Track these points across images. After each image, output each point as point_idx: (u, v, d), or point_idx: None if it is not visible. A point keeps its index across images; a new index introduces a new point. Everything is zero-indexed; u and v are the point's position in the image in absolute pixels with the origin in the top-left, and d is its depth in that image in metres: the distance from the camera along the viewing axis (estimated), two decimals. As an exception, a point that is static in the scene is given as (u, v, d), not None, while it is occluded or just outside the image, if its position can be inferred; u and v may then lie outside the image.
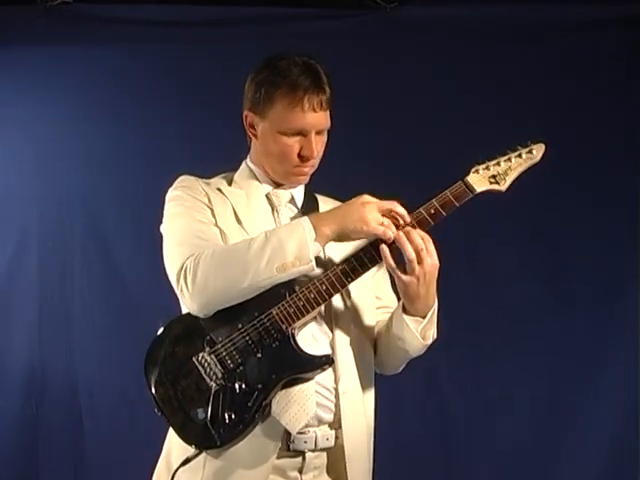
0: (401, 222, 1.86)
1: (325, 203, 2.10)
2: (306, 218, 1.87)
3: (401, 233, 1.84)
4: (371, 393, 2.04)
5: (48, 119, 3.56)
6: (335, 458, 1.94)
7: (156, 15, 3.58)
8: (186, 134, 3.51)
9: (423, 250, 1.84)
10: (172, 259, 1.90)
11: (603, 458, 3.50)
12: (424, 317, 1.93)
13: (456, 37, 3.52)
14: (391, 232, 1.84)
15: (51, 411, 3.54)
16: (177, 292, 1.88)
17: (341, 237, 1.86)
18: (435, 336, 1.99)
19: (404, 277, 1.86)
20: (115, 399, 3.49)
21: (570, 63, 3.48)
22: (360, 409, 1.99)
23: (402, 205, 1.88)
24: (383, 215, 1.86)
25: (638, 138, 3.47)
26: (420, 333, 1.93)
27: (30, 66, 3.54)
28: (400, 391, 3.43)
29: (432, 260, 1.86)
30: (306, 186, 2.09)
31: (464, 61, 3.53)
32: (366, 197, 1.88)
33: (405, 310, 1.93)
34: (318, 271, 1.89)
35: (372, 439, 2.04)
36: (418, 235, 1.85)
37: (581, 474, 3.51)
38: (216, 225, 1.94)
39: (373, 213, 1.84)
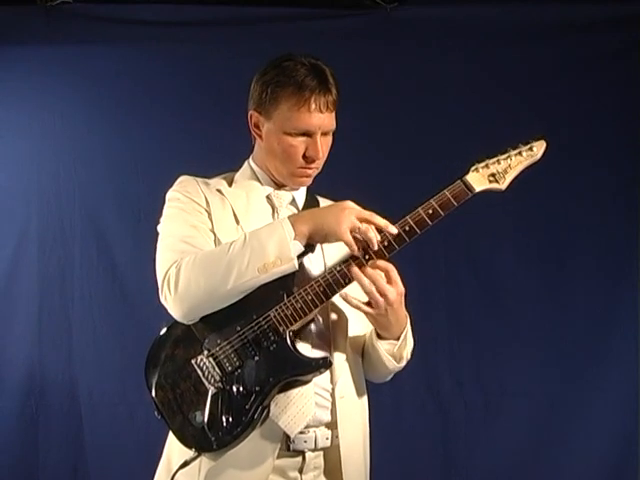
0: (374, 242, 1.81)
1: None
2: (285, 218, 1.86)
3: (357, 271, 1.81)
4: (365, 398, 2.04)
5: (47, 119, 3.56)
6: (331, 459, 1.94)
7: (156, 15, 3.58)
8: (186, 134, 3.51)
9: (381, 284, 1.82)
10: (159, 266, 1.91)
11: (603, 457, 3.51)
12: (398, 339, 1.94)
13: (456, 37, 3.52)
14: (356, 247, 1.80)
15: (51, 411, 3.54)
16: (162, 300, 1.88)
17: (316, 237, 1.84)
18: (409, 357, 2.00)
19: (371, 311, 1.86)
20: (115, 399, 3.49)
21: (570, 63, 3.49)
22: (357, 413, 1.99)
23: (383, 217, 1.84)
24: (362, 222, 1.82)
25: (638, 138, 3.47)
26: (396, 354, 1.95)
27: (30, 66, 3.54)
28: (400, 391, 3.44)
29: (396, 289, 1.85)
30: (308, 188, 2.08)
31: (464, 61, 3.53)
32: (349, 203, 1.85)
33: (379, 335, 1.95)
34: (318, 272, 1.90)
35: (368, 443, 2.04)
36: (378, 268, 1.83)
37: (581, 474, 3.51)
38: (212, 230, 1.94)
39: (349, 219, 1.81)
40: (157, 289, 1.92)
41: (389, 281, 1.85)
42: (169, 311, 1.88)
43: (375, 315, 1.87)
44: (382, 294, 1.83)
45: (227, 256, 1.81)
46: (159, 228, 1.99)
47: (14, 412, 3.53)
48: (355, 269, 1.82)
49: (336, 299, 1.90)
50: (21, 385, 3.54)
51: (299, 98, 1.90)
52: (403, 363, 1.99)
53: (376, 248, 1.81)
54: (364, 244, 1.82)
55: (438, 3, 3.56)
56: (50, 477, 3.54)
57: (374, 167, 3.48)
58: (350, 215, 1.81)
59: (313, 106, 1.90)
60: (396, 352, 1.95)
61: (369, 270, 1.82)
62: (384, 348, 1.94)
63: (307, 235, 1.83)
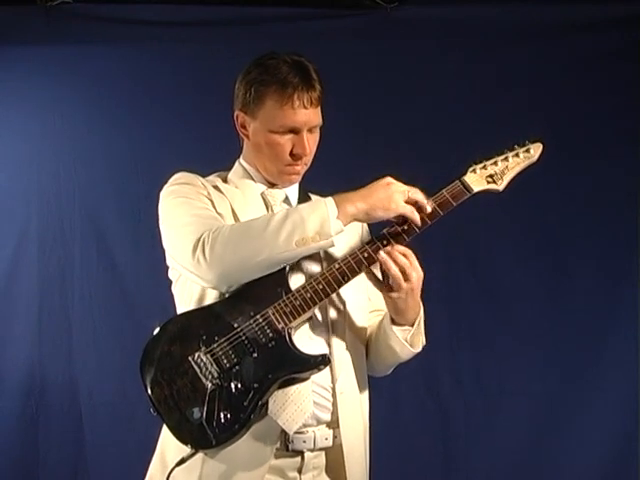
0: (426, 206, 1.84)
1: None
2: (330, 197, 1.85)
3: (384, 254, 1.83)
4: (366, 394, 2.04)
5: (47, 119, 3.57)
6: (333, 458, 1.94)
7: (156, 15, 3.58)
8: (186, 134, 3.52)
9: (408, 266, 1.85)
10: (183, 238, 1.85)
11: (603, 457, 3.51)
12: (412, 325, 1.95)
13: (456, 37, 3.52)
14: (417, 215, 1.82)
15: (51, 411, 3.54)
16: (191, 266, 1.82)
17: (366, 216, 1.83)
18: (424, 342, 2.01)
19: (393, 294, 1.87)
20: (115, 399, 3.49)
21: (570, 63, 3.49)
22: (357, 410, 1.98)
23: (423, 191, 1.86)
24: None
25: (638, 138, 3.47)
26: (409, 341, 1.95)
27: (30, 66, 3.55)
28: (400, 390, 3.44)
29: (417, 273, 1.87)
30: (300, 185, 2.07)
31: (464, 61, 3.53)
32: (390, 178, 1.86)
33: (393, 321, 1.95)
34: (316, 269, 1.90)
35: (368, 440, 2.03)
36: (400, 253, 1.84)
37: (581, 473, 3.51)
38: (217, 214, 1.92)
39: (399, 193, 1.82)
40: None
41: (410, 264, 1.86)
42: (199, 276, 1.83)
43: (395, 298, 1.88)
44: (406, 275, 1.85)
45: (267, 226, 1.80)
46: (162, 222, 1.94)
47: (14, 412, 3.53)
48: (382, 253, 1.82)
49: (336, 295, 1.91)
50: (21, 385, 3.54)
51: (282, 95, 1.89)
52: (418, 348, 1.99)
53: (430, 210, 1.83)
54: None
55: (438, 3, 3.57)
56: (50, 477, 3.54)
57: (374, 167, 3.46)
58: (399, 189, 1.83)
59: (297, 103, 1.90)
60: (409, 338, 1.95)
61: (393, 251, 1.83)
62: (399, 334, 1.95)
63: (353, 214, 1.82)
